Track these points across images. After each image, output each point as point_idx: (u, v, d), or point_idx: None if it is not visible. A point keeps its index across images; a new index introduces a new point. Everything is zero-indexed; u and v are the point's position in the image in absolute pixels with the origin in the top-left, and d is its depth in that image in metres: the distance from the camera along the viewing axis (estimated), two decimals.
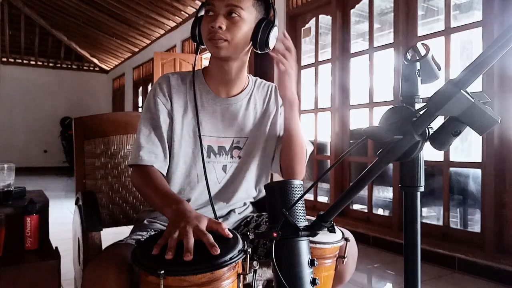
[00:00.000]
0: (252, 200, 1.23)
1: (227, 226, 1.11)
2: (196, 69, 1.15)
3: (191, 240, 0.74)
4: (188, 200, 1.10)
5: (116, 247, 0.93)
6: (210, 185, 1.07)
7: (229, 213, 1.16)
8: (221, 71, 1.12)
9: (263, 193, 1.22)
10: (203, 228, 0.78)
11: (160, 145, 1.07)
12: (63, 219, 2.53)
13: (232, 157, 1.14)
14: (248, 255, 0.76)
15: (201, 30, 1.09)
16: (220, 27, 1.02)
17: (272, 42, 1.08)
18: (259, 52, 1.10)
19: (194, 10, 5.47)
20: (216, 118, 1.13)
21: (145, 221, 1.12)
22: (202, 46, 1.12)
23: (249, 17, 1.05)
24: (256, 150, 1.17)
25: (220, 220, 1.13)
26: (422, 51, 0.67)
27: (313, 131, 3.83)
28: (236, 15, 1.03)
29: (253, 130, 1.17)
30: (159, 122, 1.08)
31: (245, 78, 1.19)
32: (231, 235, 0.79)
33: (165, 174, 1.08)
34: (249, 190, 1.19)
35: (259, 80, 1.26)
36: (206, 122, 1.11)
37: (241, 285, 0.77)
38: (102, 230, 1.14)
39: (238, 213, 1.18)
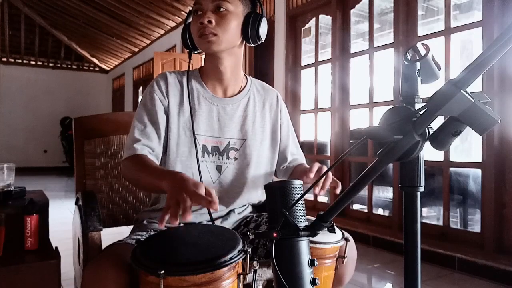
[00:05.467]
0: (255, 203, 1.23)
1: (227, 226, 1.12)
2: (193, 68, 1.15)
3: (189, 202, 0.74)
4: None
5: (116, 247, 0.93)
6: (205, 185, 1.07)
7: (228, 213, 1.16)
8: (215, 69, 1.12)
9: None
10: (201, 193, 0.77)
11: (156, 139, 1.06)
12: (63, 219, 2.53)
13: (228, 158, 1.14)
14: (248, 255, 0.76)
15: (191, 31, 1.09)
16: (209, 21, 1.03)
17: (263, 34, 1.10)
18: (252, 45, 1.12)
19: None
20: (212, 118, 1.13)
21: (144, 221, 1.12)
22: (195, 52, 1.13)
23: (236, 10, 1.06)
24: (253, 153, 1.16)
25: (219, 221, 1.13)
26: (422, 51, 0.67)
27: (313, 131, 3.83)
28: (224, 9, 1.04)
29: (251, 133, 1.16)
30: (155, 117, 1.07)
31: (242, 77, 1.19)
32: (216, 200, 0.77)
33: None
34: (250, 196, 1.18)
35: (258, 81, 1.26)
36: (201, 121, 1.11)
37: (241, 285, 0.77)
38: (102, 230, 1.14)
39: (238, 213, 1.18)
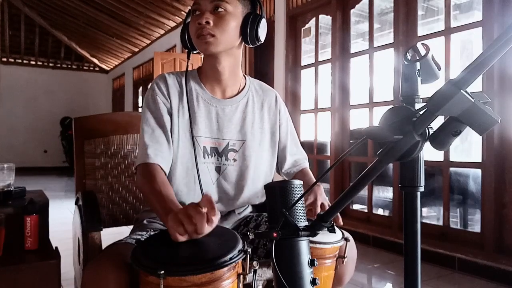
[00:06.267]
0: (255, 204, 1.23)
1: (227, 226, 1.12)
2: (191, 69, 1.15)
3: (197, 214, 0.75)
4: (182, 204, 1.08)
5: (116, 247, 0.93)
6: (205, 186, 1.07)
7: (228, 213, 1.16)
8: (214, 70, 1.11)
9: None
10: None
11: (165, 143, 1.06)
12: (63, 219, 2.53)
13: (227, 159, 1.13)
14: (248, 255, 0.76)
15: (190, 32, 1.08)
16: (207, 22, 1.02)
17: (262, 35, 1.09)
18: (250, 46, 1.11)
19: None
20: (211, 119, 1.12)
21: (144, 221, 1.12)
22: (194, 52, 1.12)
23: (235, 10, 1.05)
24: (252, 155, 1.16)
25: (219, 221, 1.13)
26: (422, 51, 0.67)
27: (313, 131, 3.83)
28: (222, 10, 1.03)
29: (250, 134, 1.16)
30: (162, 120, 1.07)
31: (241, 78, 1.18)
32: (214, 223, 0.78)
33: (167, 173, 1.06)
34: (250, 197, 1.18)
35: (257, 82, 1.25)
36: (201, 122, 1.11)
37: (241, 285, 0.77)
38: (102, 230, 1.14)
39: (238, 213, 1.18)
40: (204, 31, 1.03)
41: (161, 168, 1.02)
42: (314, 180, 1.17)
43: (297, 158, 1.27)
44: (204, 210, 0.76)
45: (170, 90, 1.10)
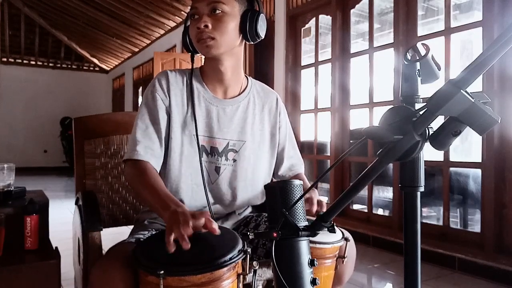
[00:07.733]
0: (256, 204, 1.23)
1: (227, 226, 1.12)
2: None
3: (190, 230, 0.75)
4: (182, 201, 1.08)
5: (121, 247, 0.92)
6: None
7: (229, 213, 1.16)
8: (216, 71, 1.11)
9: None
10: (201, 223, 0.78)
11: (157, 141, 1.06)
12: (63, 219, 2.53)
13: (227, 159, 1.13)
14: (248, 255, 0.76)
15: (190, 36, 1.08)
16: (206, 26, 1.02)
17: (262, 31, 1.09)
18: (251, 43, 1.11)
19: None
20: (211, 119, 1.12)
21: (145, 222, 1.12)
22: (197, 54, 1.12)
23: (232, 10, 1.05)
24: (252, 156, 1.16)
25: (220, 221, 1.13)
26: (422, 51, 0.67)
27: (313, 131, 3.83)
28: (220, 11, 1.03)
29: (250, 135, 1.16)
30: (157, 118, 1.07)
31: (242, 78, 1.18)
32: (218, 232, 0.78)
33: (159, 171, 1.06)
34: (249, 198, 1.18)
35: (259, 83, 1.25)
36: (201, 121, 1.11)
37: (241, 285, 0.77)
38: (102, 230, 1.14)
39: (238, 214, 1.18)
40: (204, 35, 1.03)
41: (152, 166, 1.02)
42: (309, 185, 1.17)
43: (293, 162, 1.27)
44: (202, 221, 0.78)
45: (171, 88, 1.10)
